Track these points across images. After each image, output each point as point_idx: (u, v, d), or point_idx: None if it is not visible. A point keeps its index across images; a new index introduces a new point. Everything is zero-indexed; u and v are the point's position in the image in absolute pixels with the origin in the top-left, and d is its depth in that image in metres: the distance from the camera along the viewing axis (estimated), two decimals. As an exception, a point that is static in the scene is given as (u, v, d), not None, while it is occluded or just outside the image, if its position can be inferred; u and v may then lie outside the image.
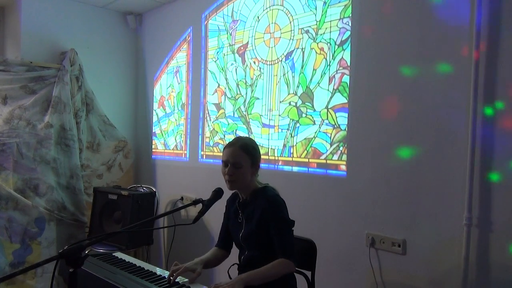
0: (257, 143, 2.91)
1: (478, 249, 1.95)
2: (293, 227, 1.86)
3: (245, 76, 3.11)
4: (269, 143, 2.91)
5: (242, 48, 3.14)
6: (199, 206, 1.74)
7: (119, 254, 2.09)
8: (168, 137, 3.84)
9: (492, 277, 1.93)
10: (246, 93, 3.10)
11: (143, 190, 3.52)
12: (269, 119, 2.93)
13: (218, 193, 1.81)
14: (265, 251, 1.83)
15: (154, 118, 3.99)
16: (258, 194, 1.88)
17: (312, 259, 2.03)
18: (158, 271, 1.86)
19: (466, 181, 1.96)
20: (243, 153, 1.84)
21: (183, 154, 3.64)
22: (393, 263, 2.25)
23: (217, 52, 3.35)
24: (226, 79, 3.26)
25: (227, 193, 1.91)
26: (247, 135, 2.98)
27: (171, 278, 1.74)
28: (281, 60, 2.85)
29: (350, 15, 2.45)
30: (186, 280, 1.76)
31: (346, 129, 2.46)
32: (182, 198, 3.58)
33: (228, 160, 1.85)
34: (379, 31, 2.32)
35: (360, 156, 2.39)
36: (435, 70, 2.10)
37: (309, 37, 2.68)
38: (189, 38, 3.60)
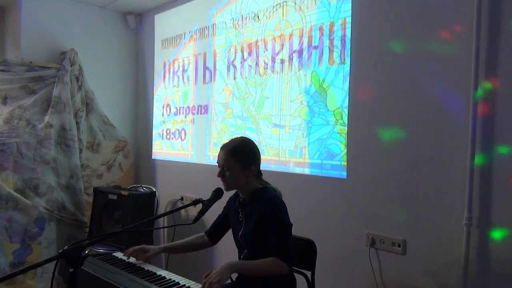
0: (267, 143, 2.95)
1: (478, 249, 1.95)
2: (291, 228, 1.85)
3: (254, 74, 3.06)
4: (279, 143, 2.87)
5: (251, 45, 3.10)
6: (199, 206, 1.74)
7: (119, 254, 2.09)
8: (173, 137, 3.82)
9: (492, 277, 1.93)
10: (256, 92, 3.04)
11: (143, 190, 3.52)
12: (280, 119, 2.87)
13: (218, 193, 1.82)
14: (264, 250, 1.83)
15: (159, 119, 3.97)
16: (258, 194, 1.89)
17: (312, 259, 2.03)
18: (158, 271, 1.86)
19: (466, 181, 1.96)
20: (230, 158, 1.84)
21: (189, 155, 3.61)
22: (393, 263, 2.25)
23: (225, 50, 3.30)
24: (235, 77, 3.21)
25: (227, 193, 1.92)
26: (243, 136, 2.95)
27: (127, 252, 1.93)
28: (293, 58, 2.79)
29: (350, 13, 2.45)
30: (181, 278, 1.78)
31: (346, 129, 2.46)
32: (182, 198, 3.58)
33: (218, 162, 1.89)
34: (378, 30, 2.32)
35: (360, 157, 2.39)
36: (435, 71, 2.10)
37: (322, 34, 2.62)
38: (195, 36, 3.56)
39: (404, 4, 2.21)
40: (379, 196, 2.31)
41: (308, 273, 2.02)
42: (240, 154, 1.86)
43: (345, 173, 2.48)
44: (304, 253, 2.03)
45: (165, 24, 3.88)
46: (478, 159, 1.95)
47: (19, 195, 3.16)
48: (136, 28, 4.15)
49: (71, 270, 1.24)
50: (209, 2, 3.43)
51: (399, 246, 2.21)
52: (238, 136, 1.98)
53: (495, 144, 1.91)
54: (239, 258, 1.98)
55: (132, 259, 1.97)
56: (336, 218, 2.50)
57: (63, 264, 1.26)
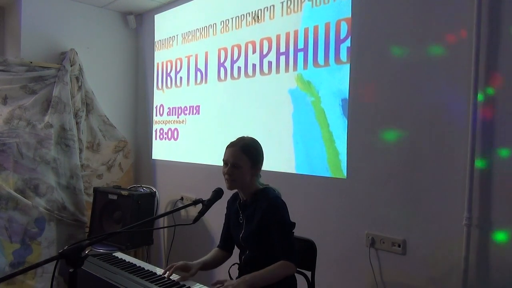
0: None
1: (478, 249, 1.95)
2: (294, 229, 1.86)
3: (244, 75, 3.09)
4: (268, 144, 2.88)
5: (240, 47, 3.12)
6: (199, 206, 1.74)
7: (119, 254, 2.09)
8: (166, 138, 3.84)
9: (492, 277, 1.93)
10: (245, 93, 3.08)
11: (143, 190, 3.52)
12: (268, 120, 2.91)
13: (218, 193, 1.81)
14: (265, 251, 1.84)
15: (160, 119, 3.98)
16: (259, 195, 1.88)
17: (312, 259, 2.03)
18: (158, 271, 1.86)
19: (466, 181, 1.96)
20: (243, 154, 1.84)
21: (182, 155, 3.62)
22: (393, 263, 2.25)
23: (215, 52, 3.32)
24: (225, 79, 3.24)
25: (227, 193, 1.91)
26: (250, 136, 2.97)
27: (167, 271, 1.78)
28: (280, 60, 2.82)
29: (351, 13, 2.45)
30: (178, 277, 1.78)
31: (346, 129, 2.46)
32: (182, 198, 3.58)
33: (228, 160, 1.86)
34: (379, 30, 2.32)
35: (360, 157, 2.39)
36: (436, 72, 2.10)
37: (307, 37, 2.66)
38: (195, 35, 3.58)
39: (404, 5, 2.22)
40: (379, 196, 2.31)
41: (308, 273, 2.02)
42: (252, 152, 1.87)
43: (330, 173, 2.53)
44: (304, 253, 2.03)
45: (165, 24, 3.88)
46: (478, 160, 1.94)
47: (19, 195, 3.16)
48: (136, 28, 4.15)
49: (71, 270, 1.24)
50: (203, 4, 3.46)
51: (399, 246, 2.21)
52: (245, 135, 1.97)
53: (495, 145, 1.91)
54: (240, 259, 1.98)
55: (173, 276, 1.79)
56: (336, 218, 2.50)
57: (63, 264, 1.26)
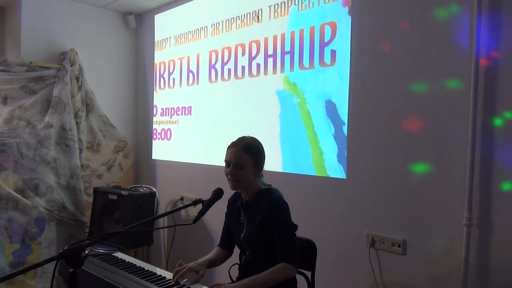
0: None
1: (478, 249, 1.95)
2: (296, 230, 1.85)
3: (233, 77, 3.14)
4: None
5: (230, 50, 3.16)
6: (199, 206, 1.74)
7: (119, 254, 2.09)
8: (160, 138, 3.86)
9: (492, 278, 1.93)
10: (235, 94, 3.11)
11: (143, 190, 3.53)
12: (256, 120, 2.95)
13: (218, 193, 1.81)
14: (266, 252, 1.84)
15: (159, 119, 3.98)
16: (261, 195, 1.88)
17: (312, 259, 2.03)
18: (158, 271, 1.86)
19: (466, 181, 1.96)
20: (245, 154, 1.83)
21: (185, 155, 3.63)
22: (393, 263, 2.25)
23: (206, 54, 3.36)
24: (216, 80, 3.28)
25: (227, 193, 1.91)
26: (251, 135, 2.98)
27: (174, 277, 1.75)
28: (267, 62, 2.87)
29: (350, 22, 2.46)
30: (186, 280, 1.76)
31: (346, 130, 2.46)
32: (182, 198, 3.58)
33: (230, 160, 1.85)
34: (377, 30, 2.32)
35: (360, 157, 2.39)
36: (435, 71, 2.10)
37: (293, 40, 2.67)
38: (187, 38, 3.60)
39: (404, 7, 2.22)
40: (379, 196, 2.31)
41: (308, 273, 2.02)
42: (253, 151, 1.86)
43: (314, 172, 2.59)
44: (304, 253, 2.02)
45: (165, 24, 3.89)
46: (478, 159, 1.95)
47: (19, 195, 3.16)
48: (136, 28, 4.15)
49: (71, 270, 1.24)
50: (200, 6, 3.48)
51: (399, 246, 2.21)
52: (246, 135, 1.96)
53: (495, 144, 1.91)
54: (240, 259, 1.98)
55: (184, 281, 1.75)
56: (336, 218, 2.50)
57: (63, 264, 1.26)
